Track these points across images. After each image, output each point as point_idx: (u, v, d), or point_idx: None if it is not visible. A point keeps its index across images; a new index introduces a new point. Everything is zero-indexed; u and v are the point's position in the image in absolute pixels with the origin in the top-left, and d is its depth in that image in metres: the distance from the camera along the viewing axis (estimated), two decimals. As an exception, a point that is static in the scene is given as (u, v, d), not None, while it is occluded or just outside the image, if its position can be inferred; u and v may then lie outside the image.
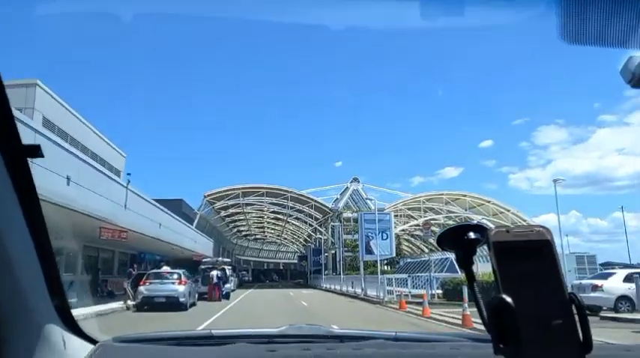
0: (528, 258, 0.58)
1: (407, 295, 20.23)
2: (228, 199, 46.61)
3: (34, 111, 18.49)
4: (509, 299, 0.55)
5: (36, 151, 0.84)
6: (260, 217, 59.74)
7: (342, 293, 28.79)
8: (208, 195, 45.18)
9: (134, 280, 17.53)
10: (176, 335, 1.39)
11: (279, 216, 55.31)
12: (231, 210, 51.64)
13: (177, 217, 28.72)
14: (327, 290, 36.02)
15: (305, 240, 63.63)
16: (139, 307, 15.94)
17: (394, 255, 24.77)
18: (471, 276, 0.66)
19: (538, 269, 0.58)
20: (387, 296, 19.95)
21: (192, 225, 36.32)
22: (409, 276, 20.77)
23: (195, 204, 44.61)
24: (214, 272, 22.71)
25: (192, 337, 1.40)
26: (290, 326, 1.49)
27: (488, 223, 22.67)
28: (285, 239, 75.66)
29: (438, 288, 19.42)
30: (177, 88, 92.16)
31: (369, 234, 24.86)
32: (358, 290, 26.48)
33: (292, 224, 59.32)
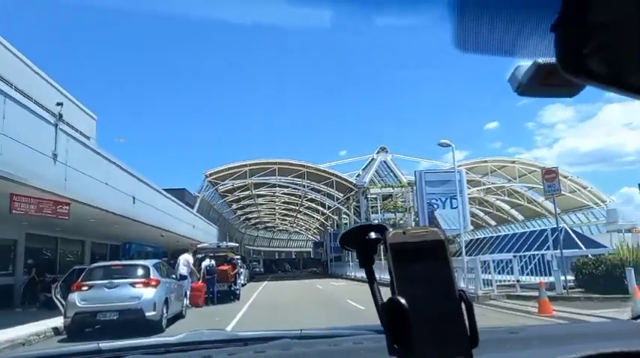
0: (423, 258, 0.59)
1: (514, 285, 13.27)
2: (233, 179, 39.48)
3: None
4: (402, 301, 0.56)
5: None
6: (272, 201, 52.66)
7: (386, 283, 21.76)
8: (210, 175, 38.10)
9: (66, 282, 10.33)
10: (59, 352, 1.31)
11: (292, 197, 48.21)
12: (237, 194, 44.61)
13: (164, 192, 21.55)
14: (356, 279, 29.14)
15: (321, 225, 56.68)
16: (72, 331, 8.96)
17: (469, 227, 17.63)
18: (371, 276, 0.66)
19: (432, 269, 0.59)
20: (483, 288, 12.94)
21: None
22: (515, 257, 13.60)
23: (195, 189, 37.60)
24: (205, 263, 15.62)
25: (77, 353, 1.30)
26: (190, 333, 1.46)
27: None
28: (298, 226, 69.28)
29: (562, 273, 12.26)
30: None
31: (433, 200, 17.71)
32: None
33: (307, 208, 52.38)
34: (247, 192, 45.08)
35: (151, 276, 9.43)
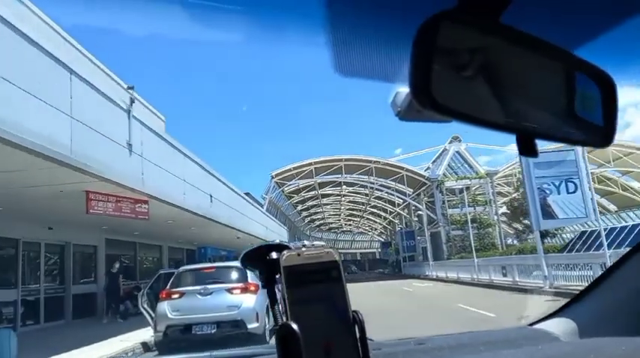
0: (317, 280, 0.59)
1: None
2: (299, 178, 38.32)
3: None
4: (294, 326, 0.55)
5: None
6: (337, 201, 51.10)
7: (488, 285, 19.38)
8: (276, 175, 37.17)
9: (152, 289, 8.97)
10: None
11: (359, 196, 46.36)
12: (303, 194, 43.48)
13: (238, 190, 20.41)
14: (441, 280, 26.73)
15: (389, 223, 54.33)
16: (164, 347, 7.60)
17: (592, 215, 14.87)
18: (272, 297, 0.65)
19: (325, 291, 0.59)
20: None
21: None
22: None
23: (258, 193, 36.72)
24: None
25: None
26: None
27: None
28: (363, 226, 67.28)
29: None
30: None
31: (545, 185, 15.14)
32: (518, 279, 17.02)
33: (373, 206, 50.30)
34: (313, 192, 43.84)
35: (249, 280, 7.89)
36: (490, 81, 0.54)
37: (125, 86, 10.05)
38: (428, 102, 0.50)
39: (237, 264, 8.97)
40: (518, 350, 0.99)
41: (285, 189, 40.12)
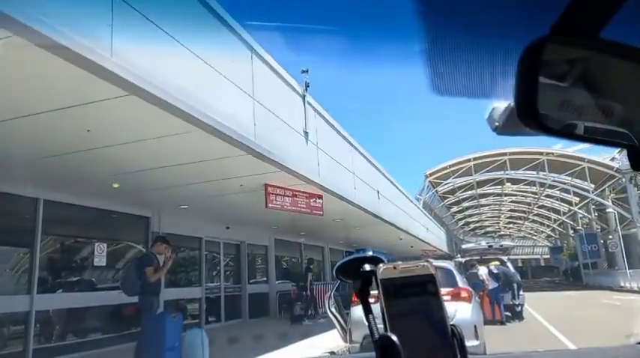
0: (414, 293, 0.60)
1: None
2: (455, 176, 35.39)
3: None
4: (394, 338, 0.56)
5: None
6: (497, 202, 46.37)
7: None
8: (430, 174, 34.92)
9: (338, 290, 7.66)
10: None
11: (525, 195, 41.17)
12: (458, 195, 40.24)
13: (401, 187, 18.94)
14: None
15: (560, 225, 47.31)
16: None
17: None
18: (367, 307, 0.67)
19: (423, 304, 0.60)
20: None
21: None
22: None
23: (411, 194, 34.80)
24: (484, 270, 12.02)
25: None
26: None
27: None
28: (526, 229, 60.28)
29: None
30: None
31: None
32: None
33: (540, 206, 44.31)
34: (470, 193, 40.28)
35: (460, 285, 6.28)
36: (594, 93, 0.53)
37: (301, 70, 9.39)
38: (534, 123, 0.50)
39: (445, 264, 7.44)
40: None
41: (440, 189, 37.52)
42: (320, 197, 9.93)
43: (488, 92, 0.66)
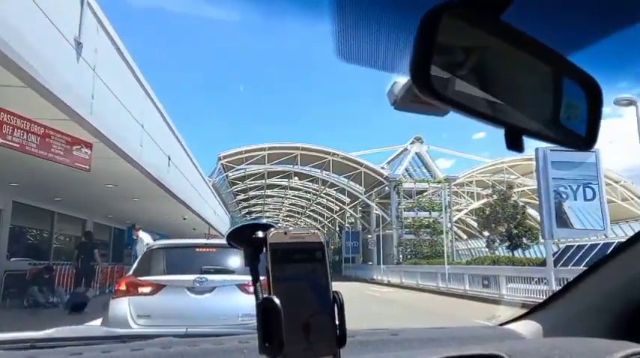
0: (302, 260, 0.61)
1: None
2: (249, 163, 34.79)
3: None
4: (276, 300, 0.57)
5: None
6: (281, 195, 47.95)
7: (466, 296, 17.60)
8: (224, 157, 33.40)
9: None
10: None
11: (308, 191, 43.61)
12: (247, 183, 39.92)
13: (196, 161, 16.79)
14: (393, 285, 24.97)
15: (331, 222, 52.16)
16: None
17: (607, 229, 13.39)
18: (255, 274, 0.66)
19: (308, 271, 0.60)
20: None
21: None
22: None
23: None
24: None
25: None
26: (61, 328, 1.36)
27: None
28: (302, 223, 64.76)
29: None
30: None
31: (561, 188, 13.42)
32: (505, 292, 15.29)
33: (317, 203, 47.93)
34: (259, 182, 40.44)
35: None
36: (484, 76, 0.57)
37: None
38: (426, 89, 0.52)
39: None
40: (484, 346, 1.00)
41: (231, 174, 36.40)
42: (88, 146, 7.19)
43: (390, 66, 0.65)
